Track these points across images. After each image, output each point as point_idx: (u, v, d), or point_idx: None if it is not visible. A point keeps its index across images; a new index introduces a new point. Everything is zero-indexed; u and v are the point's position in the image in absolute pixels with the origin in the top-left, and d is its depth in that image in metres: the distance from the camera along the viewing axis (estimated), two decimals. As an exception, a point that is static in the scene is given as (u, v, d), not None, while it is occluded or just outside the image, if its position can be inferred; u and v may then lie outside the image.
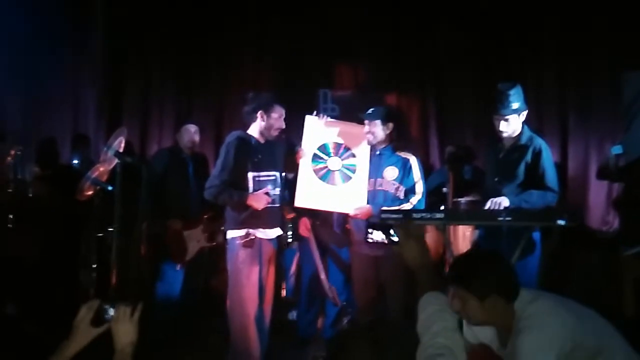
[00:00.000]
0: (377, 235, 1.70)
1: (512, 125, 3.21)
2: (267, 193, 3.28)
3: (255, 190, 3.32)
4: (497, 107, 3.18)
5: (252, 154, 3.34)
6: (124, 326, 1.65)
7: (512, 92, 3.16)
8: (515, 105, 3.16)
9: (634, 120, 4.81)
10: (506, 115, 3.17)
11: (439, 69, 6.31)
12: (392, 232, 1.66)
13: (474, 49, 6.08)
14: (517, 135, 3.26)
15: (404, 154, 3.47)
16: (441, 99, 6.31)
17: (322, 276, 3.95)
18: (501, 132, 3.23)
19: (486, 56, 6.05)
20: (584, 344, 1.81)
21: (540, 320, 1.80)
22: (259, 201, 3.25)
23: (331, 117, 3.65)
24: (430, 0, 6.12)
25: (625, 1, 5.48)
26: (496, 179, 3.29)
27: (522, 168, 3.22)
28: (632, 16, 5.47)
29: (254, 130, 3.44)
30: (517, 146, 3.26)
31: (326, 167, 3.55)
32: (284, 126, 3.45)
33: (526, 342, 1.77)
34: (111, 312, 1.68)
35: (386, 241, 1.69)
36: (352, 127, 3.59)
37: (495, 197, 3.13)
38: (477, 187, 4.40)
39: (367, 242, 1.73)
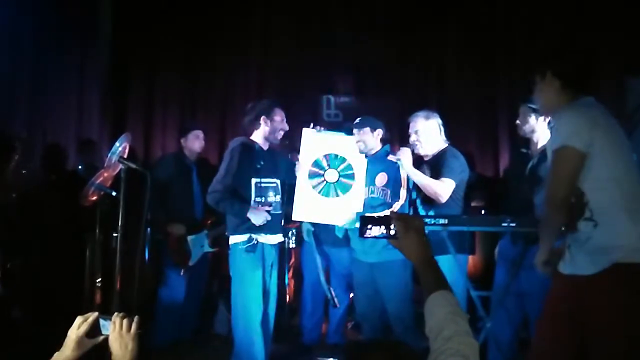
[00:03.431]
0: (375, 231, 1.59)
1: (540, 124, 3.16)
2: (267, 211, 3.32)
3: (257, 196, 3.34)
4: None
5: (255, 160, 3.38)
6: (123, 339, 1.57)
7: None
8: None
9: (637, 126, 4.78)
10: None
11: (442, 75, 6.30)
12: (391, 226, 1.56)
13: (478, 55, 6.07)
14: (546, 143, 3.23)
15: (395, 158, 3.45)
16: (444, 104, 6.29)
17: (322, 278, 3.97)
18: (532, 133, 3.18)
19: (490, 63, 6.04)
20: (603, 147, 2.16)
21: (575, 110, 2.25)
22: (258, 217, 3.28)
23: (334, 123, 3.68)
24: (435, 5, 6.12)
25: (628, 7, 5.47)
26: (527, 188, 3.12)
27: None
28: (635, 21, 5.45)
29: (258, 136, 3.47)
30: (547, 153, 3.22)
31: (324, 180, 3.58)
32: (287, 128, 3.51)
33: (561, 122, 2.23)
34: (107, 324, 1.59)
35: (384, 236, 1.58)
36: (344, 138, 3.62)
37: (523, 205, 3.04)
38: (480, 193, 4.40)
39: (365, 237, 1.62)
